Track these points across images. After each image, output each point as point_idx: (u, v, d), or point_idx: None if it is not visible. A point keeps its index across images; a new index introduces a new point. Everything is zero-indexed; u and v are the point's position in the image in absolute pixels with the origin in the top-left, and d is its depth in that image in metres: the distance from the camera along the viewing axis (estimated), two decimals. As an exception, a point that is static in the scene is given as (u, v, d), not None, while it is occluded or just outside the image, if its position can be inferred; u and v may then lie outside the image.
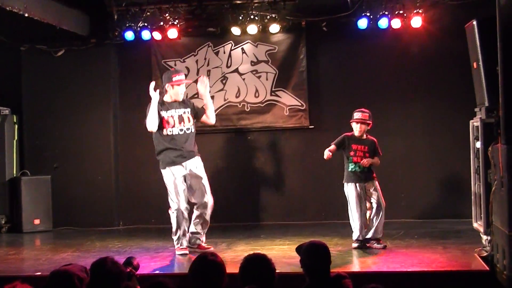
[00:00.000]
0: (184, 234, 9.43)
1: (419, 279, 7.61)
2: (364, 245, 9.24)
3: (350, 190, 9.31)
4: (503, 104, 6.90)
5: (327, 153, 9.30)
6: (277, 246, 9.75)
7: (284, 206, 12.37)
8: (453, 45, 10.98)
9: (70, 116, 12.61)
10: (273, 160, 12.43)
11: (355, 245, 9.21)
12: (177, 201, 9.36)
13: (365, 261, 8.59)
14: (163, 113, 9.44)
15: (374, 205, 9.31)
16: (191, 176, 9.43)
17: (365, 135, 9.39)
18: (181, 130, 9.45)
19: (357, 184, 9.30)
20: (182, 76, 9.60)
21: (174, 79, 9.45)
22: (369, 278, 7.38)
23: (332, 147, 9.39)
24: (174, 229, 9.45)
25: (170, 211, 9.42)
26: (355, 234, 9.27)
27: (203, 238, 9.58)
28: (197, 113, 9.60)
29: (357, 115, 9.34)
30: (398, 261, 8.29)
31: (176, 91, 9.49)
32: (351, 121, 9.37)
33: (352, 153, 9.32)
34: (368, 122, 9.33)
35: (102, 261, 4.92)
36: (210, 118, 9.66)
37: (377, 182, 9.37)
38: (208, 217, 9.54)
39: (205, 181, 9.52)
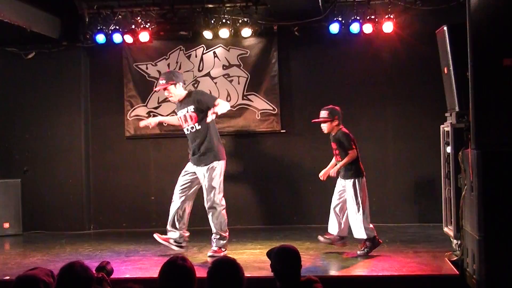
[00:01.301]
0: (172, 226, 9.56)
1: (389, 284, 7.63)
2: (335, 239, 9.27)
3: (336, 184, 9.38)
4: (473, 109, 6.95)
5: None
6: (248, 250, 9.75)
7: (256, 210, 12.36)
8: (424, 51, 11.04)
9: (41, 119, 12.52)
10: (244, 164, 12.41)
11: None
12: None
13: (336, 265, 8.60)
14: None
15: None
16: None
17: (334, 132, 9.31)
18: (187, 130, 9.50)
19: (339, 180, 9.31)
20: (160, 81, 9.61)
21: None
22: (340, 282, 7.42)
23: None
24: None
25: None
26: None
27: (213, 244, 9.46)
28: (208, 104, 9.34)
29: (320, 114, 9.32)
30: (369, 265, 8.32)
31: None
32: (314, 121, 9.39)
33: (333, 152, 9.35)
34: (328, 119, 9.24)
35: (71, 266, 4.88)
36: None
37: (355, 181, 9.13)
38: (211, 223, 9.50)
39: (211, 188, 9.37)
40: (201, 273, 4.89)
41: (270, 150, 12.35)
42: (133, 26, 11.77)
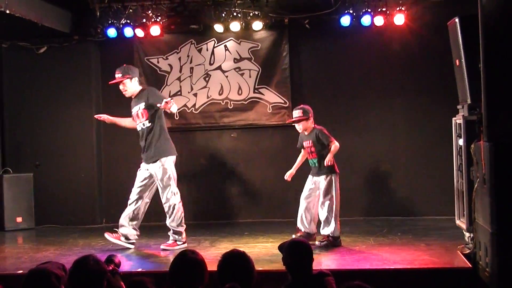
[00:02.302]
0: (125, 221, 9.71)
1: (402, 277, 7.61)
2: (304, 235, 9.25)
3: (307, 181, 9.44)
4: (485, 102, 6.91)
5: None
6: (260, 243, 9.74)
7: (267, 203, 12.36)
8: (435, 43, 11.02)
9: (52, 114, 12.56)
10: (256, 158, 12.42)
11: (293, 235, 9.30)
12: None
13: (348, 258, 8.57)
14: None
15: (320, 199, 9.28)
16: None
17: (308, 130, 9.36)
18: (139, 126, 9.63)
19: (311, 177, 9.39)
20: (116, 75, 9.67)
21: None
22: (351, 276, 7.37)
23: (301, 151, 9.63)
24: None
25: None
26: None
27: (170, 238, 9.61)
28: (156, 101, 9.44)
29: (293, 114, 9.43)
30: (381, 258, 8.30)
31: None
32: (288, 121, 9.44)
33: (306, 150, 9.37)
34: (303, 118, 9.29)
35: (84, 259, 4.90)
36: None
37: (330, 178, 9.21)
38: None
39: (163, 186, 9.48)
40: (212, 266, 4.89)
41: (282, 143, 12.33)
42: (144, 20, 11.77)
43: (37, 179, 12.29)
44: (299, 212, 9.46)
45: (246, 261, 4.82)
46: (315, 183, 9.30)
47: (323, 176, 9.20)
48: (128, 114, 11.36)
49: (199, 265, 4.71)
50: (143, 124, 9.52)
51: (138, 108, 9.56)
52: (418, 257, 8.25)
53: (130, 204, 9.69)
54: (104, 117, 10.03)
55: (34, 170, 12.39)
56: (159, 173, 9.42)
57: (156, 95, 9.60)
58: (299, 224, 9.44)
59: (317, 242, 9.16)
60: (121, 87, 9.64)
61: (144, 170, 9.59)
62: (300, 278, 5.17)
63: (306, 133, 9.35)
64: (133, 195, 9.66)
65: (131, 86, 9.58)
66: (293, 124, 9.49)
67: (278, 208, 12.26)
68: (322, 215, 9.20)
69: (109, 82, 9.88)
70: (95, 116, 10.25)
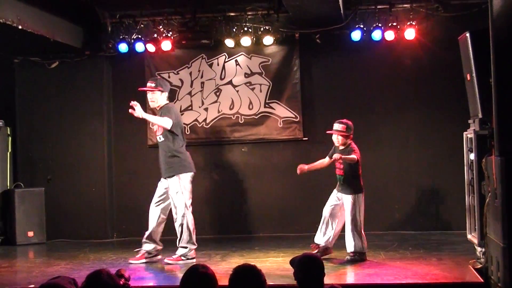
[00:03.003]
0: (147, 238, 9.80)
1: (413, 291, 7.61)
2: (321, 250, 9.33)
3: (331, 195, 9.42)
4: (496, 116, 6.91)
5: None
6: (271, 258, 9.73)
7: (278, 218, 12.35)
8: (446, 57, 11.02)
9: (64, 128, 12.60)
10: (267, 172, 12.42)
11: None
12: None
13: (359, 273, 8.56)
14: None
15: (346, 218, 9.26)
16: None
17: (343, 146, 9.34)
18: (159, 138, 9.69)
19: (335, 192, 9.35)
20: (148, 83, 9.76)
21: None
22: (363, 290, 7.39)
23: (327, 159, 9.45)
24: None
25: None
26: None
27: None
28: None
29: (334, 126, 9.34)
30: (392, 273, 8.27)
31: None
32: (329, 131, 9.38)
33: (336, 164, 9.35)
34: (345, 133, 9.28)
35: (97, 273, 4.89)
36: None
37: (355, 197, 9.20)
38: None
39: (176, 200, 9.52)
40: (223, 281, 4.89)
41: (292, 158, 12.32)
42: (155, 35, 11.84)
43: (49, 193, 12.32)
44: (320, 225, 9.42)
45: (257, 275, 4.81)
46: (340, 199, 9.28)
47: (350, 196, 9.21)
48: (138, 130, 11.48)
49: (210, 279, 4.70)
50: (160, 138, 9.62)
51: None
52: (430, 272, 8.22)
53: (151, 219, 9.74)
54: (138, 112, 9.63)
55: (45, 185, 12.42)
56: (173, 189, 9.47)
57: (168, 114, 9.59)
58: (318, 238, 9.41)
59: (347, 257, 9.17)
60: (149, 96, 9.68)
61: (162, 183, 9.68)
62: (312, 293, 5.17)
63: (341, 148, 9.34)
64: (152, 208, 9.72)
65: (159, 98, 9.65)
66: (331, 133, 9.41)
67: (289, 222, 12.25)
68: (348, 232, 9.20)
69: (140, 88, 9.88)
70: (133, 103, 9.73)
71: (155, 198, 9.66)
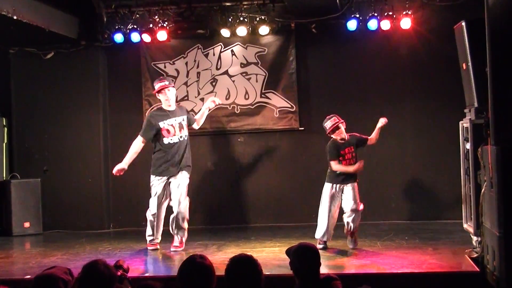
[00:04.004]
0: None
1: (409, 280, 7.61)
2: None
3: (326, 189, 9.38)
4: (492, 105, 6.91)
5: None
6: (268, 248, 9.74)
7: (274, 208, 12.36)
8: (442, 46, 11.02)
9: (60, 119, 12.58)
10: (263, 162, 12.42)
11: (319, 246, 9.19)
12: None
13: (355, 262, 8.57)
14: (161, 123, 9.72)
15: (351, 202, 9.28)
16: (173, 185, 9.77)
17: (347, 136, 9.38)
18: (177, 138, 9.77)
19: (334, 185, 9.32)
20: (163, 83, 9.82)
21: (155, 86, 9.88)
22: (359, 280, 7.39)
23: (339, 166, 9.35)
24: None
25: None
26: (319, 233, 9.36)
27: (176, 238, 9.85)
28: (190, 120, 9.99)
29: (332, 121, 9.32)
30: (389, 262, 8.30)
31: (162, 99, 9.89)
32: (331, 131, 9.34)
33: (341, 158, 9.32)
34: (342, 120, 9.37)
35: (94, 264, 4.89)
36: (198, 125, 10.21)
37: (356, 184, 9.36)
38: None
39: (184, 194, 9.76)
40: (220, 271, 4.89)
41: (289, 148, 12.35)
42: (151, 25, 11.80)
43: (45, 184, 12.32)
44: (331, 225, 9.40)
45: (254, 265, 4.81)
46: (342, 190, 9.34)
47: (356, 184, 9.35)
48: (134, 120, 11.47)
49: (207, 269, 4.70)
50: (181, 137, 9.76)
51: (182, 120, 9.81)
52: (426, 261, 8.24)
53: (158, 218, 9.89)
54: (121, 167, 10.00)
55: (42, 175, 12.42)
56: (185, 181, 9.69)
57: (190, 114, 10.15)
58: (329, 236, 9.46)
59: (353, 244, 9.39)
60: (165, 95, 9.77)
61: (166, 182, 9.76)
62: (308, 283, 5.17)
63: (347, 138, 9.36)
64: (157, 208, 9.83)
65: (173, 97, 9.84)
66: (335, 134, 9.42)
67: (285, 212, 12.26)
68: (356, 218, 9.33)
69: (160, 87, 9.78)
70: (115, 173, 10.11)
71: (159, 198, 9.81)
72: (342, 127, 9.31)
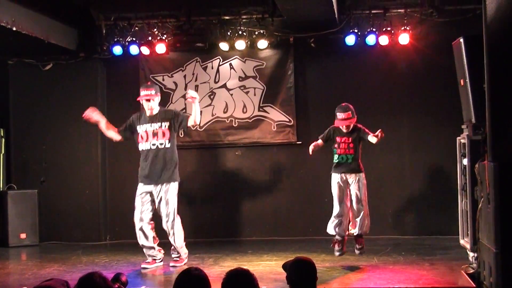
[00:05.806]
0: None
1: (405, 296, 7.62)
2: (338, 242, 9.32)
3: (333, 180, 9.29)
4: (489, 121, 6.93)
5: (311, 148, 9.31)
6: (264, 261, 9.73)
7: (271, 221, 12.35)
8: (440, 62, 11.04)
9: (58, 130, 12.59)
10: (260, 176, 12.42)
11: (336, 253, 9.31)
12: None
13: (352, 277, 8.56)
14: (138, 128, 9.64)
15: (353, 198, 9.21)
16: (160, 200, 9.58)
17: (350, 128, 9.32)
18: (150, 145, 9.56)
19: (340, 175, 9.25)
20: (147, 91, 9.59)
21: (141, 93, 9.65)
22: (355, 295, 7.40)
23: (319, 141, 9.41)
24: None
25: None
26: (330, 226, 9.30)
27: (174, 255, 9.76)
28: (181, 122, 9.57)
29: (340, 115, 9.23)
30: (385, 277, 8.29)
31: (144, 106, 9.71)
32: (337, 123, 9.29)
33: (336, 146, 9.28)
34: (353, 118, 9.25)
35: (90, 276, 4.88)
36: (193, 121, 9.63)
37: (362, 175, 9.24)
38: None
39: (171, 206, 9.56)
40: (216, 284, 4.89)
41: (286, 162, 12.36)
42: (149, 38, 11.83)
43: (42, 195, 12.32)
44: (341, 218, 9.27)
45: (250, 279, 4.81)
46: (346, 180, 9.23)
47: (361, 174, 9.21)
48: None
49: (203, 282, 4.70)
50: (161, 144, 9.47)
51: (159, 127, 9.49)
52: (422, 277, 8.24)
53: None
54: (90, 114, 9.88)
55: (38, 187, 12.41)
56: (170, 195, 9.46)
57: (181, 115, 9.71)
58: (343, 228, 9.34)
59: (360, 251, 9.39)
60: (150, 103, 9.55)
61: (147, 193, 9.61)
62: (304, 297, 5.17)
63: (345, 130, 9.30)
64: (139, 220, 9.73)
65: (157, 104, 9.61)
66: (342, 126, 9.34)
67: (282, 226, 12.26)
68: (365, 215, 9.28)
69: (144, 94, 9.58)
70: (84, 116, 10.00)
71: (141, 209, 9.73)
72: (351, 124, 9.27)
